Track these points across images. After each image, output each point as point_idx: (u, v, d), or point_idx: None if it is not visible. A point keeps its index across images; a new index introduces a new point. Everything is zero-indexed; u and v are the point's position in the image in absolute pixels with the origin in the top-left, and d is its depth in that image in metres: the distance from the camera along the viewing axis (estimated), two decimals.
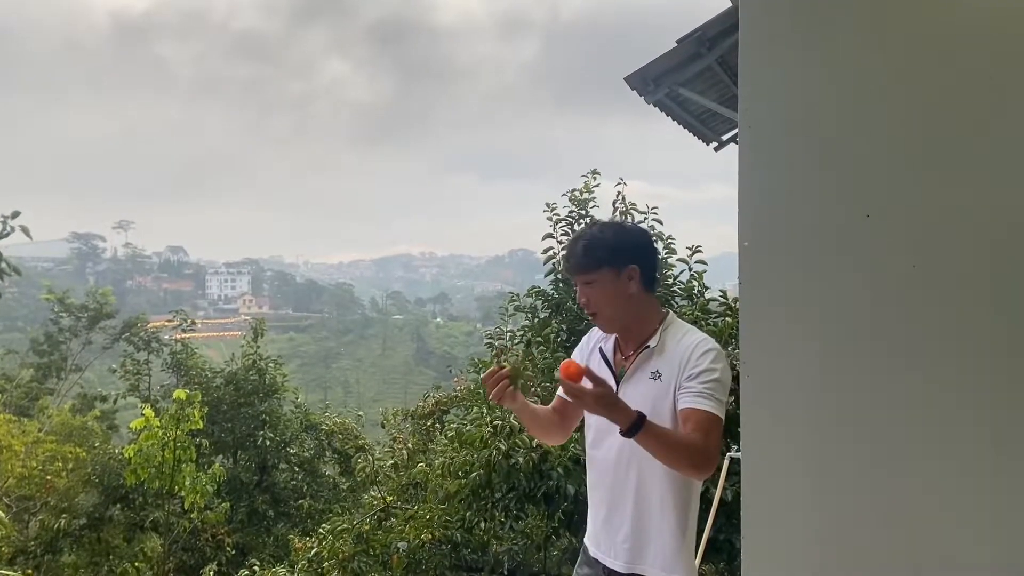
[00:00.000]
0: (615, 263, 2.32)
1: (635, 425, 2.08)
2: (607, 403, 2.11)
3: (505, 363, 2.43)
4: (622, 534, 2.33)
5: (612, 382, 2.33)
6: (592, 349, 2.55)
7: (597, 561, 2.42)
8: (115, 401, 15.73)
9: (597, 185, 6.89)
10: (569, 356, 2.49)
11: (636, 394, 2.26)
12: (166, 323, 17.08)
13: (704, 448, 2.13)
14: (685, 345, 2.28)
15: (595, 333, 2.61)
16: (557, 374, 2.27)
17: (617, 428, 2.14)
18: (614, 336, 2.47)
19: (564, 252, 2.48)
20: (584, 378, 2.16)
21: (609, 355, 2.45)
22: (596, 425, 2.44)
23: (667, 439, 2.14)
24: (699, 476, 2.27)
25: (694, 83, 5.47)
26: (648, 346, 2.34)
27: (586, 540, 2.53)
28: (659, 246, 6.58)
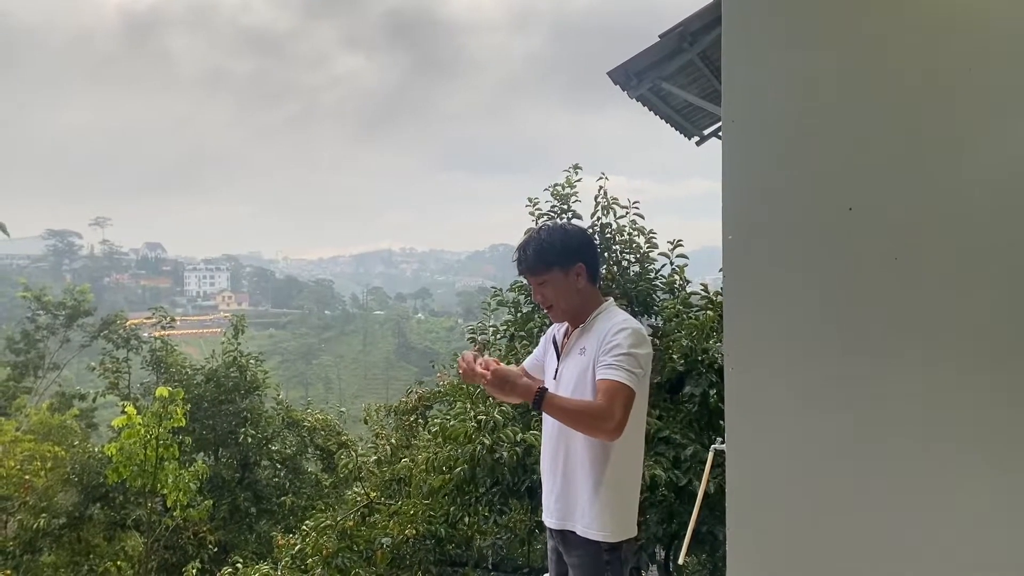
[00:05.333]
0: (563, 263, 2.61)
1: (536, 400, 2.43)
2: (503, 386, 2.49)
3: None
4: (554, 496, 2.64)
5: (555, 362, 2.71)
6: (550, 336, 2.87)
7: (551, 530, 2.70)
8: (94, 399, 15.53)
9: (579, 180, 6.89)
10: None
11: (570, 367, 2.62)
12: (145, 320, 16.93)
13: (605, 411, 2.38)
14: (607, 326, 2.56)
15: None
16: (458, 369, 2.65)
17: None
18: (566, 323, 2.76)
19: (515, 257, 2.73)
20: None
21: (559, 339, 2.78)
22: None
23: (567, 406, 2.47)
24: (603, 437, 2.46)
25: (676, 78, 5.49)
26: (580, 327, 2.65)
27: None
28: (640, 240, 6.61)
